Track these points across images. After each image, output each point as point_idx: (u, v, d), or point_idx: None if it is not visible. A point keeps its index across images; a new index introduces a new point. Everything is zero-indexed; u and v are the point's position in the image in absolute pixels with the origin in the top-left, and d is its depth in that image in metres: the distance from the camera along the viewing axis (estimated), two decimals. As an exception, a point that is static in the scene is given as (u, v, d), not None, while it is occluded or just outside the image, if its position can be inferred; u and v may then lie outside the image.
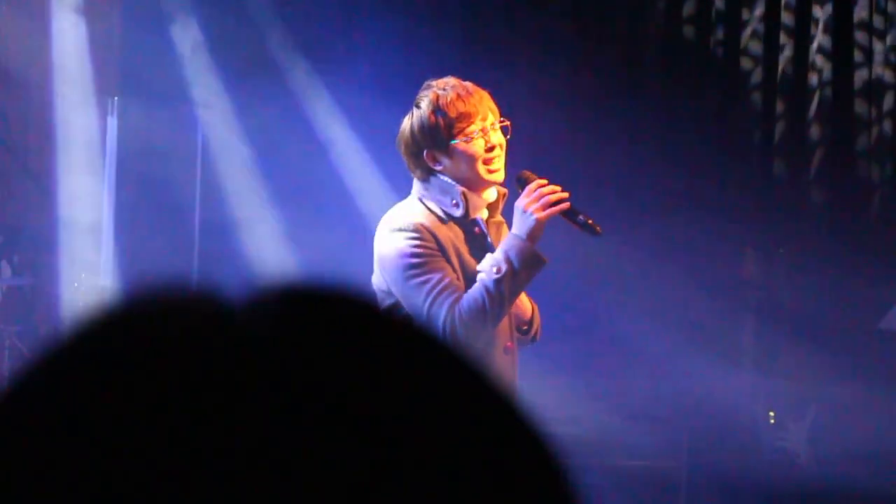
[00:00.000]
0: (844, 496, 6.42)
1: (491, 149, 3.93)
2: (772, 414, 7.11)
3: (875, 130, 7.43)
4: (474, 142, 3.92)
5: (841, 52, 7.45)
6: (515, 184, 3.98)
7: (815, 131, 7.47)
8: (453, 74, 4.04)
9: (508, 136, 3.98)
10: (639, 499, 6.62)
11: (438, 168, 3.94)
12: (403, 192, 4.07)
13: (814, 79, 7.47)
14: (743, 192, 7.48)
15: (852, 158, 7.44)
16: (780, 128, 7.53)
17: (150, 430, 0.62)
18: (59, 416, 0.63)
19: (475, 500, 0.63)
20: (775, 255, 7.53)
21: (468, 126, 3.91)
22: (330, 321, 0.67)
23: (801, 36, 7.47)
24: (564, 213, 3.93)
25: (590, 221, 3.95)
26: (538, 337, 4.08)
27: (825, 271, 7.24)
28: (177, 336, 0.65)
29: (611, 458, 6.72)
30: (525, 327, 4.06)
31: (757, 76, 7.54)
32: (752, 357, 7.32)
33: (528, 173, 3.97)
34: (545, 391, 6.52)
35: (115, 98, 7.11)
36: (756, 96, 7.55)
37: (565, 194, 3.91)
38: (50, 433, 0.63)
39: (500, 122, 3.98)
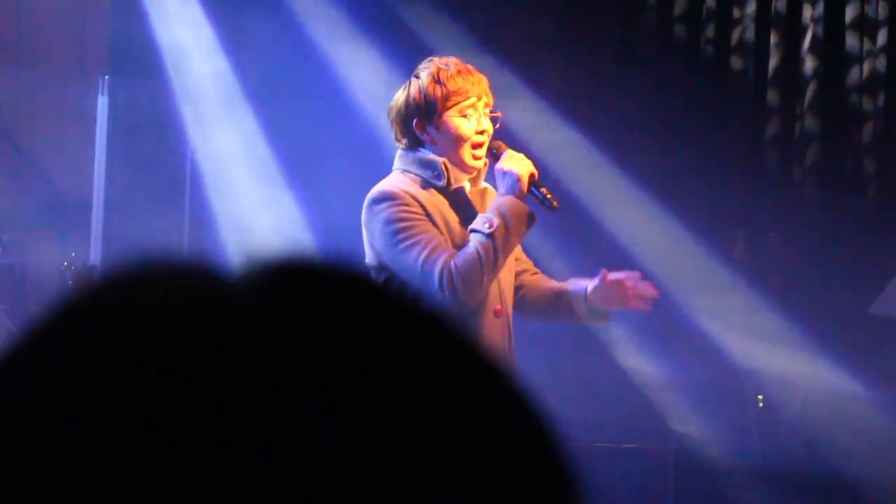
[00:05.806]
0: (832, 479, 6.45)
1: (481, 132, 4.01)
2: (760, 397, 7.13)
3: (871, 110, 7.44)
4: (466, 120, 3.98)
5: (836, 40, 7.45)
6: (489, 157, 4.07)
7: (808, 121, 7.48)
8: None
9: (497, 126, 4.06)
10: (626, 481, 6.63)
11: (425, 138, 4.01)
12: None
13: (808, 67, 7.47)
14: (733, 175, 7.48)
15: (846, 134, 7.45)
16: (772, 114, 7.53)
17: (141, 406, 0.62)
18: (48, 394, 0.63)
19: (471, 474, 0.63)
20: (766, 238, 7.54)
21: (463, 101, 3.99)
22: (323, 295, 0.66)
23: (794, 23, 7.47)
24: (531, 181, 4.03)
25: (549, 196, 4.07)
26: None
27: (816, 255, 7.25)
28: (169, 311, 0.65)
29: (598, 440, 6.73)
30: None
31: (750, 64, 7.54)
32: (742, 340, 7.33)
33: (500, 143, 4.07)
34: (536, 375, 6.52)
35: (106, 76, 7.09)
36: (749, 82, 7.55)
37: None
38: (39, 412, 0.63)
39: (492, 111, 4.05)
